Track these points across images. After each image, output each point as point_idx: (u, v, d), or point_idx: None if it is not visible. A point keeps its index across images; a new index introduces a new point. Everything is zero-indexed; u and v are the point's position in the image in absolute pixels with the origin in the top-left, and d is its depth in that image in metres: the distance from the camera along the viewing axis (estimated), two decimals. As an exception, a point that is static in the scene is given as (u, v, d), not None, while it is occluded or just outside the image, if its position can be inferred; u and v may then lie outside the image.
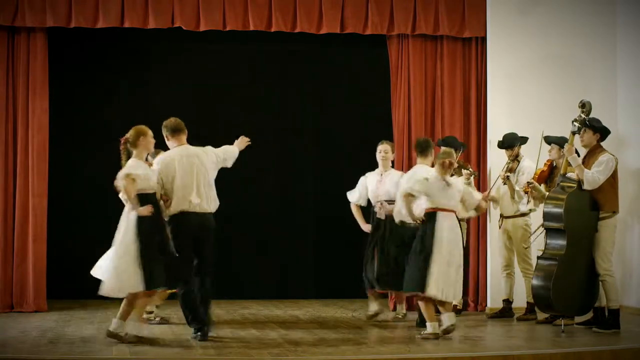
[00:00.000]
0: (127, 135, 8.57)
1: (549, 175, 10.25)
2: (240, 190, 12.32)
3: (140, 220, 8.38)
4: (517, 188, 10.36)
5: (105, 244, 11.11)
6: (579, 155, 9.57)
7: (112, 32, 10.99)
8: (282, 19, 11.02)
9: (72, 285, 11.75)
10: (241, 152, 12.29)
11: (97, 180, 10.39)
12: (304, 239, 12.66)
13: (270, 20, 11.02)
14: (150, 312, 9.82)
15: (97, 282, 11.88)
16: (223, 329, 9.50)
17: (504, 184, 10.45)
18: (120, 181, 8.41)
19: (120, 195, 8.54)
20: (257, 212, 12.46)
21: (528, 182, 10.16)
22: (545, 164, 10.28)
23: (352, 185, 10.46)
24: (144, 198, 8.42)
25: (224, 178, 12.05)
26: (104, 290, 8.53)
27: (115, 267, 8.42)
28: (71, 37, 11.33)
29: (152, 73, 12.24)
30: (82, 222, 11.84)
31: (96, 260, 12.08)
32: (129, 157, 8.58)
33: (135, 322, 8.64)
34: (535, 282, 9.67)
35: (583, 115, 9.54)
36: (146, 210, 8.37)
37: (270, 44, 12.00)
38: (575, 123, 9.54)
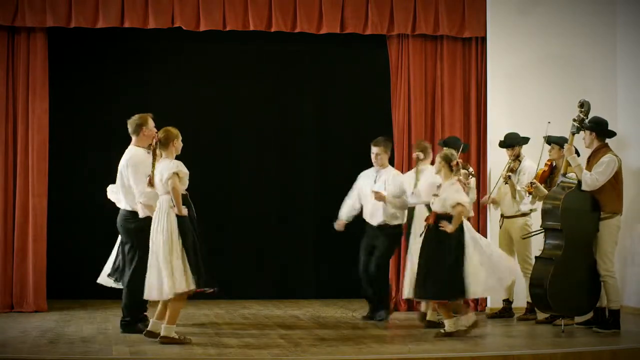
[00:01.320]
0: (159, 135, 8.59)
1: (549, 175, 10.25)
2: (240, 190, 12.31)
3: (181, 221, 8.41)
4: (518, 188, 10.36)
5: (105, 244, 11.11)
6: (578, 155, 9.57)
7: (112, 32, 10.98)
8: (282, 19, 11.01)
9: (72, 285, 11.75)
10: (241, 152, 12.39)
11: (97, 180, 10.37)
12: (304, 239, 12.63)
13: (270, 20, 11.02)
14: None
15: (96, 281, 11.88)
16: (223, 329, 9.50)
17: (506, 183, 10.44)
18: (168, 180, 8.37)
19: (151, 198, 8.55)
20: (258, 212, 12.44)
21: (531, 183, 10.15)
22: (545, 164, 10.28)
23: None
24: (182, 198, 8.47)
25: (224, 178, 12.13)
26: (152, 294, 8.46)
27: (162, 268, 8.34)
28: (71, 37, 11.33)
29: (152, 73, 12.21)
30: (82, 222, 11.82)
31: (96, 260, 12.07)
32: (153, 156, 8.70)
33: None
34: (532, 282, 9.67)
35: (582, 115, 9.54)
36: (186, 210, 8.43)
37: (270, 44, 11.99)
38: (574, 123, 9.54)
